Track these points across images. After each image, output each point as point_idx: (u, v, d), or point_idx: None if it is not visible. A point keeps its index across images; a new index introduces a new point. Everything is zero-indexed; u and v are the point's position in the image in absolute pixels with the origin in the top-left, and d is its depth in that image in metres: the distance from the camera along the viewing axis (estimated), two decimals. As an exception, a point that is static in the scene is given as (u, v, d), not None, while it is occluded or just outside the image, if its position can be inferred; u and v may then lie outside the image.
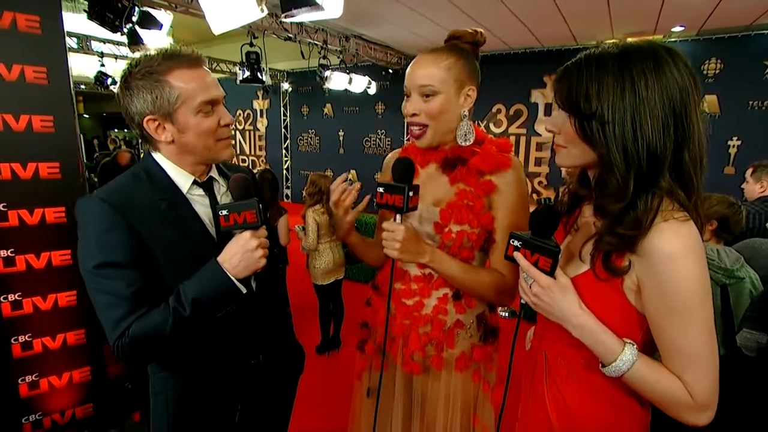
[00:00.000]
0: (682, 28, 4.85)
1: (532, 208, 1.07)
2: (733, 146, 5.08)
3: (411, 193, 0.97)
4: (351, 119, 8.23)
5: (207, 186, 1.03)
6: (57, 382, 2.14)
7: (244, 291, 0.92)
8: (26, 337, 2.03)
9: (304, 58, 5.01)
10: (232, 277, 0.89)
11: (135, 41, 2.64)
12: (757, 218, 2.20)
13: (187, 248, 0.95)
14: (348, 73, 5.73)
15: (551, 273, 0.74)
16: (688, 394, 0.69)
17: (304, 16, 2.09)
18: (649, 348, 0.76)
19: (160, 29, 2.59)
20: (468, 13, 4.40)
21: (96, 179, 4.00)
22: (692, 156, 0.70)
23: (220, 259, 0.91)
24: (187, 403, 1.02)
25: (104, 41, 5.86)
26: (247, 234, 0.91)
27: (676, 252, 0.67)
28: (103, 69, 6.08)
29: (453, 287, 1.12)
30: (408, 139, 7.36)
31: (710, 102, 5.08)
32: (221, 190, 1.07)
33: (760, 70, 4.86)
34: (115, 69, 6.72)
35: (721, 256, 1.67)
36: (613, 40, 5.32)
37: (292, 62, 7.76)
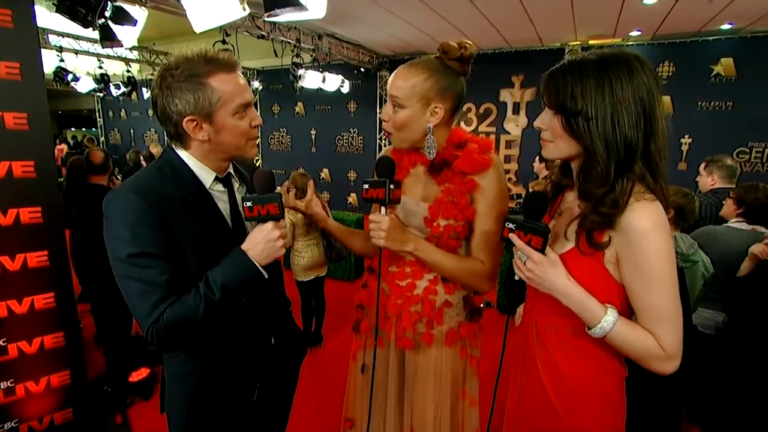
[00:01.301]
0: (639, 33, 5.17)
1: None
2: (685, 144, 5.46)
3: (392, 186, 1.08)
4: (323, 118, 8.20)
5: (226, 181, 1.08)
6: (34, 387, 2.07)
7: (267, 276, 0.98)
8: (1, 341, 1.96)
9: (277, 56, 4.98)
10: (257, 264, 0.95)
11: (108, 37, 2.57)
12: (708, 208, 2.41)
13: (210, 239, 1.00)
14: (321, 72, 5.73)
15: (542, 250, 0.84)
16: (660, 347, 0.81)
17: (287, 16, 2.11)
18: (626, 312, 0.87)
19: (135, 25, 2.53)
20: (441, 15, 4.51)
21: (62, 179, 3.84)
22: (658, 146, 0.83)
23: (244, 247, 0.97)
24: (207, 386, 1.06)
25: (63, 35, 5.58)
26: (270, 225, 0.97)
27: (647, 227, 0.79)
28: (62, 64, 5.80)
29: None
30: (380, 137, 7.44)
31: (664, 102, 5.43)
32: (236, 185, 1.13)
33: (707, 74, 5.26)
34: (75, 65, 6.44)
35: (678, 242, 1.84)
36: (577, 42, 5.60)
37: (263, 60, 7.66)
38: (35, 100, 1.93)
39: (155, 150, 6.66)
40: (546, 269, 0.84)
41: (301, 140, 8.49)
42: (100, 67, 6.38)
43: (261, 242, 0.96)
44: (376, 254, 1.33)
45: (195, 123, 0.96)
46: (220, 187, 1.07)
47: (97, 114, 11.13)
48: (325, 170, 8.25)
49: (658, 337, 0.81)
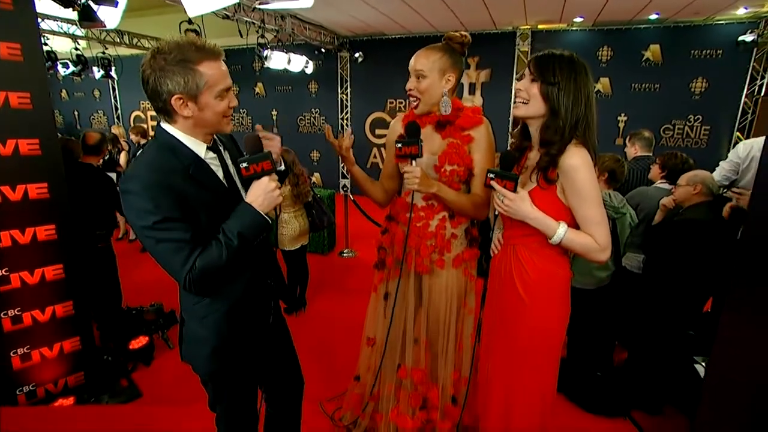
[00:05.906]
0: (582, 19, 5.69)
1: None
2: (622, 121, 6.12)
3: (421, 144, 1.42)
4: (284, 98, 8.21)
5: (215, 149, 1.25)
6: (48, 353, 2.22)
7: (271, 221, 1.19)
8: (15, 311, 2.09)
9: (242, 36, 5.01)
10: (261, 212, 1.16)
11: (88, 17, 2.59)
12: (632, 173, 2.94)
13: (213, 198, 1.18)
14: (286, 53, 5.79)
15: (515, 190, 1.22)
16: (596, 243, 1.21)
17: (278, 4, 2.26)
18: (573, 225, 1.26)
19: (116, 6, 2.56)
20: (403, -1, 4.74)
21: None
22: (591, 117, 1.23)
23: (248, 200, 1.17)
24: (232, 317, 1.26)
25: None
26: (266, 179, 1.16)
27: (577, 164, 1.18)
28: None
29: (449, 211, 1.61)
30: (342, 117, 7.62)
31: (604, 84, 6.05)
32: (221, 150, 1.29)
33: (638, 59, 5.89)
34: None
35: (611, 198, 2.28)
36: (527, 26, 6.04)
37: (225, 39, 7.52)
38: (37, 79, 2.01)
39: (118, 131, 6.44)
40: (518, 203, 1.22)
41: (262, 121, 8.44)
42: (45, 44, 6.02)
43: (261, 194, 1.15)
44: (391, 203, 1.73)
45: (182, 101, 1.09)
46: (211, 154, 1.23)
47: (34, 94, 10.36)
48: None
49: (594, 237, 1.21)
